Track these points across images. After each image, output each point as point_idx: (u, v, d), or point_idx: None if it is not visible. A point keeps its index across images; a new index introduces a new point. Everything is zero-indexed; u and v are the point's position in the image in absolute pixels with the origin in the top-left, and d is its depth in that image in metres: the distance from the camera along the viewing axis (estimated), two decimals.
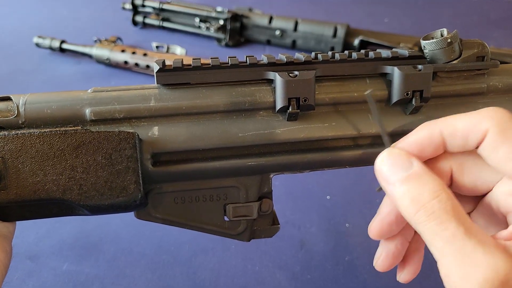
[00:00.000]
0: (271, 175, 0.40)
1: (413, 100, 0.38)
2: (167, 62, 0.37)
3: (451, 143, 0.34)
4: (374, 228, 0.38)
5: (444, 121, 0.34)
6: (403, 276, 0.41)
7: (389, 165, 0.33)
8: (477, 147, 0.33)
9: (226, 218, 0.41)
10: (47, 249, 0.63)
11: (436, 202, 0.30)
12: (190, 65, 0.37)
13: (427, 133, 0.34)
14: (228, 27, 1.26)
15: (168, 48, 1.18)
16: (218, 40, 1.30)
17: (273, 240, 0.61)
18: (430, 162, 0.35)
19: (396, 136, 0.39)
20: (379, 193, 0.36)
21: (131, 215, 0.40)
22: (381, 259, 0.40)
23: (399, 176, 0.32)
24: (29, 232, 0.65)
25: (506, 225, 0.34)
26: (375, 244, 0.41)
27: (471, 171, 0.35)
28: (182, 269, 0.61)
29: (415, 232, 0.40)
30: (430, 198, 0.30)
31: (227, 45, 1.28)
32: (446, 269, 0.29)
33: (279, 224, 0.42)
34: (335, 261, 0.62)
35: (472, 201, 0.38)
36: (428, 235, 0.30)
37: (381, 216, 0.38)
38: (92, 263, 0.62)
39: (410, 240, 0.40)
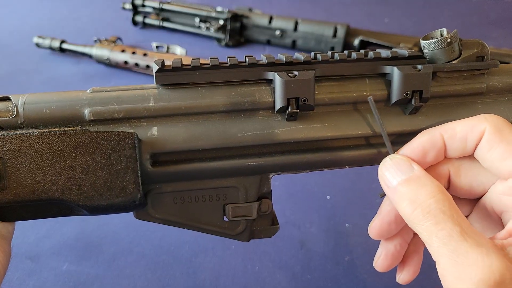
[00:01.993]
0: (271, 175, 0.40)
1: (413, 100, 0.38)
2: (167, 62, 0.37)
3: (451, 146, 0.35)
4: (374, 227, 0.39)
5: (444, 126, 0.36)
6: (402, 277, 0.41)
7: (390, 170, 0.34)
8: (473, 153, 0.35)
9: (225, 218, 0.41)
10: (47, 249, 0.63)
11: (433, 202, 0.31)
12: (189, 65, 0.37)
13: (428, 137, 0.35)
14: (228, 27, 1.26)
15: (168, 48, 1.18)
16: (218, 40, 1.30)
17: (273, 240, 0.61)
18: (429, 167, 0.37)
19: (395, 136, 0.39)
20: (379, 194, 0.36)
21: (131, 215, 0.40)
22: (381, 259, 0.41)
23: (399, 179, 0.33)
24: (29, 232, 0.65)
25: (501, 226, 0.34)
26: (375, 244, 0.42)
27: (467, 174, 0.36)
28: (182, 269, 0.61)
29: (414, 234, 0.40)
30: (427, 198, 0.31)
31: (227, 45, 1.28)
32: (442, 269, 0.30)
33: (278, 224, 0.42)
34: (335, 261, 0.62)
35: (468, 204, 0.39)
36: (425, 235, 0.30)
37: (381, 216, 0.38)
38: (92, 263, 0.61)
39: (409, 241, 0.41)
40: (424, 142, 0.35)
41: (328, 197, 0.74)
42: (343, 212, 0.70)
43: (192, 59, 0.38)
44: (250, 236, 0.42)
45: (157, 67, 0.37)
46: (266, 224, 0.42)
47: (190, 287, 0.59)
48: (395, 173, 0.34)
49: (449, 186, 0.38)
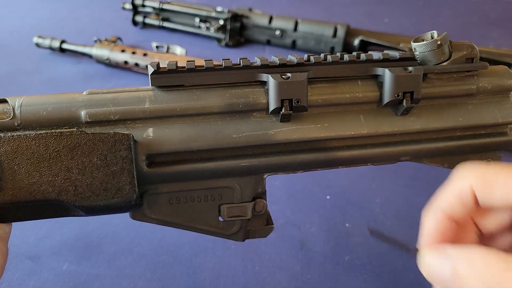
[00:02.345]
0: (265, 176, 0.40)
1: (404, 101, 0.38)
2: (162, 64, 0.38)
3: (456, 214, 0.34)
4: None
5: (439, 201, 0.34)
6: None
7: (436, 267, 0.32)
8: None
9: (220, 219, 0.41)
10: (47, 249, 0.64)
11: (494, 266, 0.28)
12: (184, 67, 0.38)
13: (435, 221, 0.34)
14: (228, 27, 1.26)
15: (168, 48, 1.18)
16: (218, 40, 1.30)
17: (273, 240, 0.61)
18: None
19: (388, 136, 0.39)
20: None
21: None
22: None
23: (448, 273, 0.31)
24: (29, 232, 0.66)
25: None
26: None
27: (488, 211, 0.35)
28: (182, 269, 0.61)
29: None
30: (484, 266, 0.29)
31: (227, 45, 1.29)
32: None
33: (273, 224, 0.43)
34: (335, 261, 0.62)
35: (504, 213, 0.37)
36: None
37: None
38: (92, 263, 0.62)
39: None
40: (434, 227, 0.34)
41: (328, 197, 0.74)
42: (343, 212, 0.70)
43: (187, 61, 0.38)
44: (245, 236, 0.42)
45: (152, 70, 0.37)
46: (261, 224, 0.42)
47: (190, 287, 0.59)
48: (440, 271, 0.31)
49: (480, 231, 0.36)
